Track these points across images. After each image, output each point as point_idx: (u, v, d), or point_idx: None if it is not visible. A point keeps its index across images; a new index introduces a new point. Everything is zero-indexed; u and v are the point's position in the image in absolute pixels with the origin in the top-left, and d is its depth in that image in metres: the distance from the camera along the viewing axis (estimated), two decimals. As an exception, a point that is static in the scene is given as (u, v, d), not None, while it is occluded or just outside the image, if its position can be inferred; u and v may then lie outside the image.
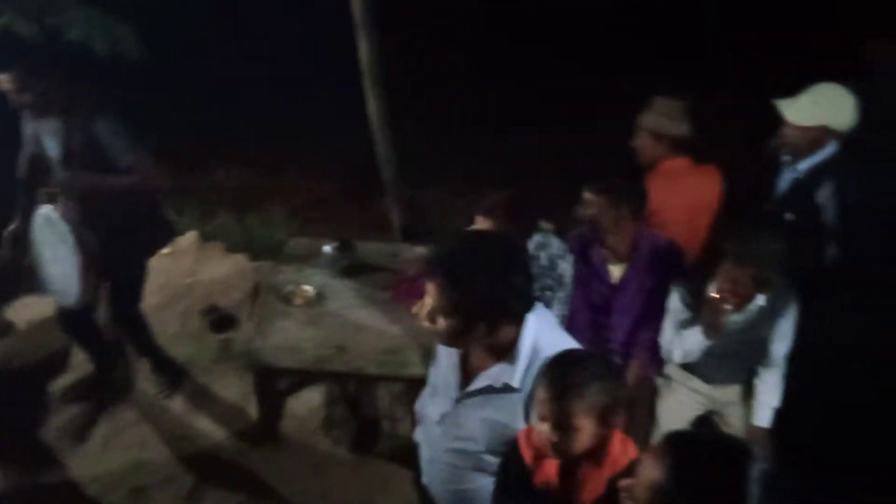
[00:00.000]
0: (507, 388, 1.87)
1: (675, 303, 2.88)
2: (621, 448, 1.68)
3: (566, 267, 2.95)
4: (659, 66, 4.47)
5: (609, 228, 2.91)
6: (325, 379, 3.73)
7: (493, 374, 1.90)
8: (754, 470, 1.31)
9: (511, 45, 6.50)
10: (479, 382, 1.93)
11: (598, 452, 1.67)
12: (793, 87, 2.95)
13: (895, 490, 2.73)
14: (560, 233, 3.09)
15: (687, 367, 2.96)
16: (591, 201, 2.89)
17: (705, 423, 3.05)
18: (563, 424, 1.63)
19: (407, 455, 2.61)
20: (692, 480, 1.33)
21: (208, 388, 3.89)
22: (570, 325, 2.99)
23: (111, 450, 3.52)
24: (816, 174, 2.94)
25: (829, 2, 4.29)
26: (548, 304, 2.91)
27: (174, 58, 5.26)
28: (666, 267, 2.96)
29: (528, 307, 1.87)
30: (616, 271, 3.01)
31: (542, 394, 1.67)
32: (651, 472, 1.36)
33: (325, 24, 5.04)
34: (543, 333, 1.90)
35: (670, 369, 3.05)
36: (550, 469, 1.72)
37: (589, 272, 3.03)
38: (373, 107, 4.17)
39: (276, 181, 5.94)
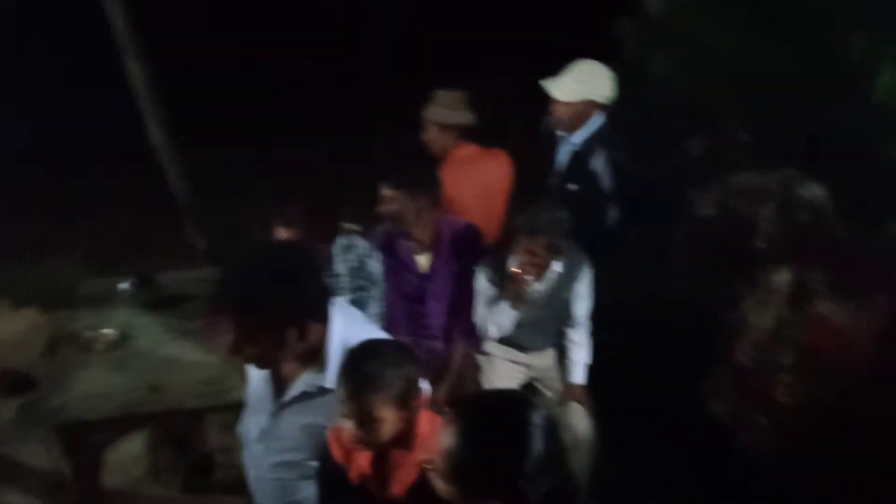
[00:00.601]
0: (322, 391, 1.86)
1: (481, 282, 3.01)
2: (429, 427, 1.71)
3: (375, 265, 2.97)
4: (435, 61, 4.62)
5: (411, 220, 2.97)
6: (144, 423, 3.51)
7: (306, 380, 1.88)
8: (537, 418, 1.39)
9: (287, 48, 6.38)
10: (294, 390, 1.90)
11: (406, 436, 1.69)
12: (557, 67, 3.18)
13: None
14: (366, 232, 3.12)
15: (503, 340, 3.11)
16: (390, 197, 2.93)
17: (529, 390, 3.21)
18: (365, 419, 1.64)
19: (244, 484, 2.52)
20: (479, 438, 1.39)
21: (12, 458, 3.54)
22: (388, 319, 3.03)
23: None
24: (589, 145, 3.19)
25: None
26: (364, 304, 2.93)
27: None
28: (469, 250, 3.07)
29: (327, 303, 1.87)
30: (423, 261, 3.08)
31: (339, 392, 1.67)
32: (444, 439, 1.41)
33: (93, 52, 4.73)
34: (351, 329, 1.90)
35: (488, 345, 3.18)
36: (363, 462, 1.72)
37: (398, 266, 3.08)
38: (154, 131, 3.96)
39: (68, 225, 5.49)
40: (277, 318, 1.76)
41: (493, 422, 1.40)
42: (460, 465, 1.39)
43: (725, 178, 3.11)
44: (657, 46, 3.45)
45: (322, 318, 1.85)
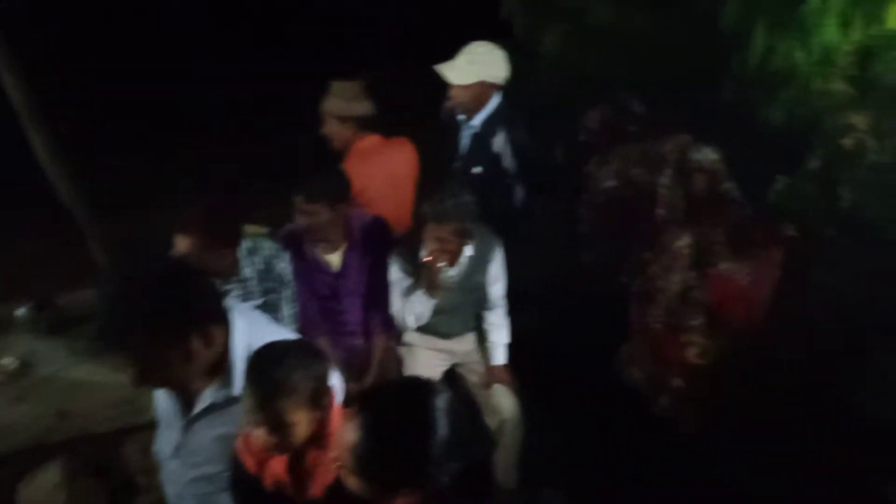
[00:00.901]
0: (231, 401, 1.81)
1: (395, 273, 2.99)
2: (342, 424, 1.70)
3: (284, 265, 2.91)
4: (327, 52, 4.53)
5: (328, 227, 2.91)
6: (58, 452, 3.35)
7: (213, 391, 1.83)
8: (439, 402, 1.38)
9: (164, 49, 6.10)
10: (202, 402, 1.84)
11: (320, 436, 1.67)
12: (451, 51, 3.18)
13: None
14: (272, 233, 3.05)
15: (422, 329, 3.10)
16: (309, 210, 2.83)
17: (452, 376, 3.22)
18: (277, 424, 1.60)
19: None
20: (381, 429, 1.38)
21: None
22: (302, 319, 2.97)
23: None
24: (489, 126, 3.19)
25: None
26: (275, 306, 2.87)
27: None
28: (379, 242, 3.04)
29: (222, 304, 1.82)
30: (335, 258, 3.03)
31: (247, 402, 1.63)
32: (348, 434, 1.39)
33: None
34: (255, 334, 1.85)
35: (408, 336, 3.17)
36: (277, 467, 1.69)
37: (309, 266, 3.01)
38: (40, 147, 3.74)
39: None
40: (178, 328, 1.71)
41: (394, 411, 1.39)
42: (366, 459, 1.37)
43: (623, 148, 3.18)
44: (546, 23, 3.49)
45: (222, 319, 1.80)
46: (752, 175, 2.73)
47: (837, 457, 2.23)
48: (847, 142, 2.37)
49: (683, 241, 2.85)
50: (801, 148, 2.59)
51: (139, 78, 5.92)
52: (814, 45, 2.44)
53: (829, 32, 2.39)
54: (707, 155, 3.00)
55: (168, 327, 1.67)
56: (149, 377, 1.74)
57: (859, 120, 2.35)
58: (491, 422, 3.06)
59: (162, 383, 1.84)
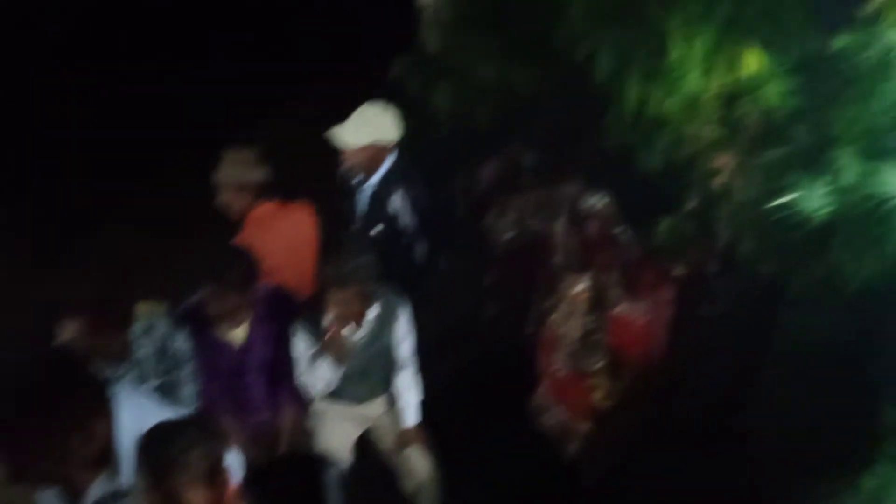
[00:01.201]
0: (118, 495, 1.73)
1: (299, 342, 2.93)
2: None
3: (181, 344, 2.80)
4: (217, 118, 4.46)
5: (237, 310, 2.84)
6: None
7: (100, 486, 1.75)
8: (331, 476, 1.36)
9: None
10: (89, 499, 1.75)
11: None
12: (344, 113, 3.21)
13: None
14: (170, 309, 2.95)
15: (331, 396, 3.02)
16: (220, 299, 2.77)
17: (365, 441, 3.15)
18: None
19: None
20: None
21: None
22: (205, 397, 2.86)
23: None
24: (385, 185, 3.23)
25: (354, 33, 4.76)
26: (174, 387, 2.76)
27: None
28: (283, 311, 2.97)
29: (103, 395, 1.75)
30: (238, 334, 2.93)
31: (141, 483, 1.57)
32: None
33: None
34: (144, 419, 1.77)
35: (318, 404, 3.09)
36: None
37: (210, 345, 2.90)
38: None
39: None
40: (53, 426, 1.63)
41: (286, 487, 1.36)
42: None
43: (518, 200, 3.26)
44: (436, 81, 3.61)
45: (103, 410, 1.73)
46: (639, 218, 2.85)
47: (739, 484, 2.30)
48: (717, 182, 2.51)
49: (581, 287, 2.92)
50: (680, 190, 2.73)
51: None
52: (682, 92, 2.59)
53: (694, 80, 2.54)
54: (598, 201, 3.11)
55: (41, 425, 1.60)
56: (23, 475, 1.65)
57: (727, 161, 2.50)
58: (408, 485, 3.01)
59: (40, 481, 1.74)
